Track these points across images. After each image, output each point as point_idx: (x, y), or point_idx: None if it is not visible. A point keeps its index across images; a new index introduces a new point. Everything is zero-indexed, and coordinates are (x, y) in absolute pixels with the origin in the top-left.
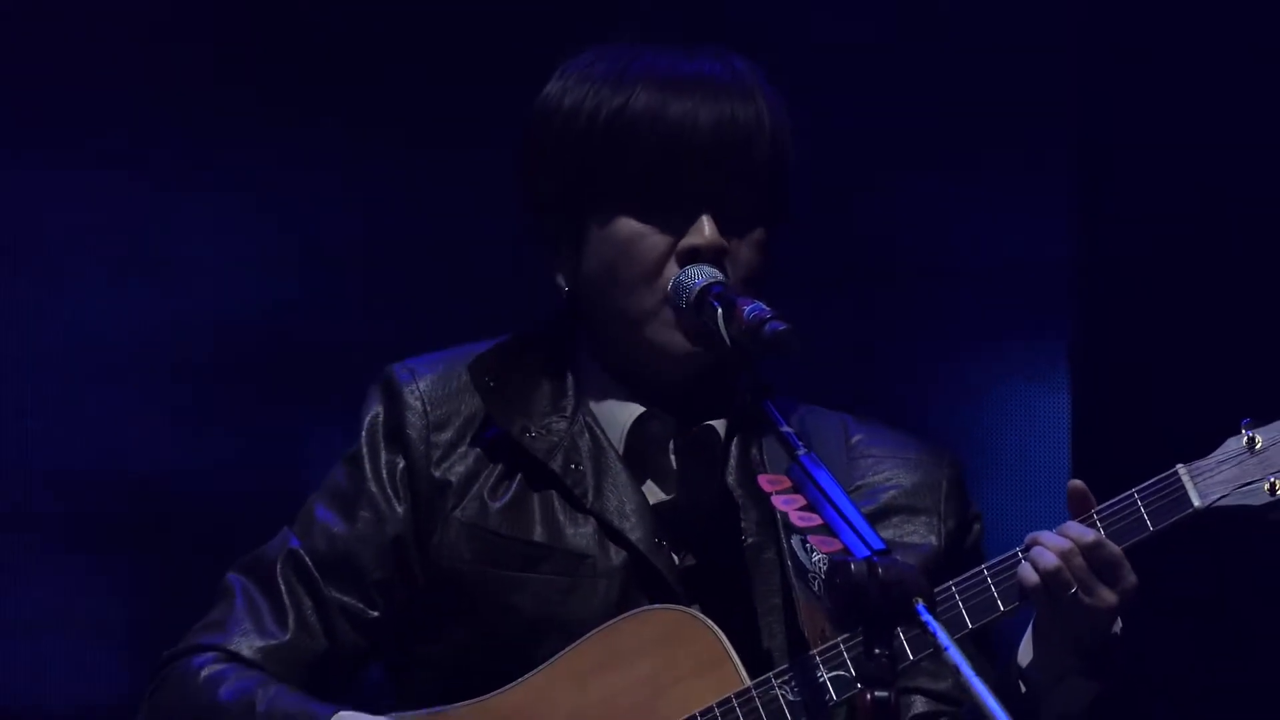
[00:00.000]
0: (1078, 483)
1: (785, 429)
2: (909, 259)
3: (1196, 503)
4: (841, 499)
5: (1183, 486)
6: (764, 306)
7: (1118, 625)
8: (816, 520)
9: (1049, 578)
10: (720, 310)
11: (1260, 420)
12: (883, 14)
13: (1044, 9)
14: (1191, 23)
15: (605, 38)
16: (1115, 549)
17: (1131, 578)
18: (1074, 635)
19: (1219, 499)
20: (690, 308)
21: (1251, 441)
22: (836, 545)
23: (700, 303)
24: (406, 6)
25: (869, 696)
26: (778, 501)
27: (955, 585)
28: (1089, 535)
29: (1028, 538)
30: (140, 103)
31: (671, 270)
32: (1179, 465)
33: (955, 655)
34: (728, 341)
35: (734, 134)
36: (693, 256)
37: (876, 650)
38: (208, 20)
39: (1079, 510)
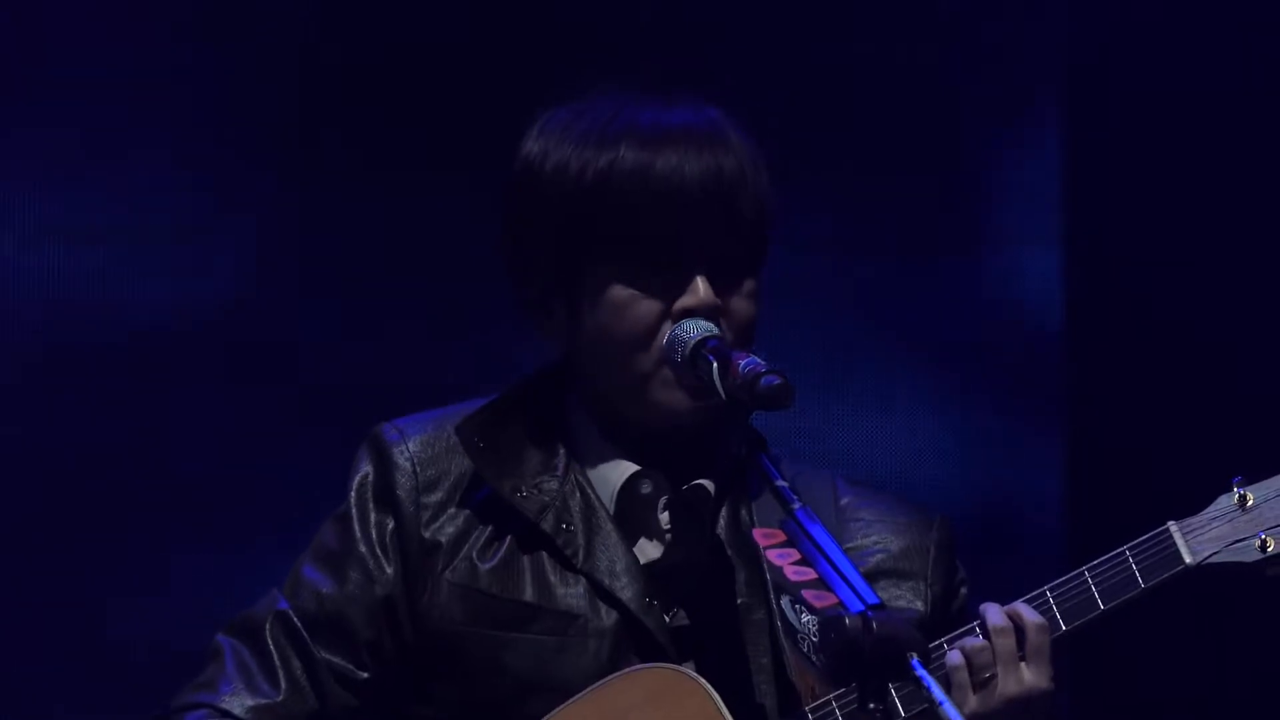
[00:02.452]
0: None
1: (780, 483)
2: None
3: (1188, 559)
4: (836, 553)
5: (1174, 543)
6: (758, 360)
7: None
8: (811, 574)
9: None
10: (715, 364)
11: (1251, 478)
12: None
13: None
14: (1188, 65)
15: (588, 67)
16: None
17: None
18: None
19: (1210, 556)
20: (685, 362)
21: (1243, 499)
22: (831, 599)
23: (695, 357)
24: (406, 34)
25: None
26: (772, 555)
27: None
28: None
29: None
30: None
31: (668, 331)
32: (1170, 522)
33: (950, 711)
34: (723, 395)
35: (720, 185)
36: (688, 316)
37: (871, 705)
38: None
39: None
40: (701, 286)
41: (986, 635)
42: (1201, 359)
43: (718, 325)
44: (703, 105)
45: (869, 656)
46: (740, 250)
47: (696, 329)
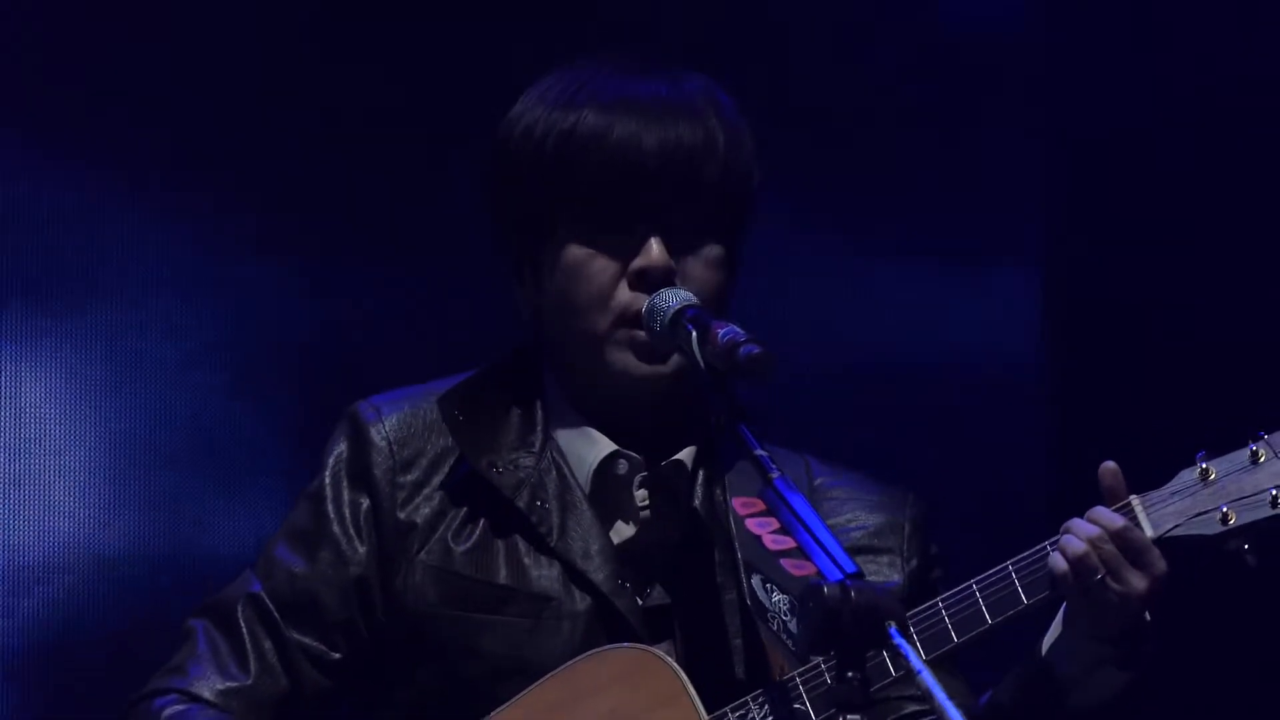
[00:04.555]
0: (1109, 465)
1: (759, 452)
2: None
3: (1149, 533)
4: (815, 522)
5: (1135, 518)
6: (738, 330)
7: (1148, 615)
8: (790, 543)
9: (1077, 563)
10: (695, 333)
11: (1214, 452)
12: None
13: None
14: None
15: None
16: (1143, 535)
17: (1161, 564)
18: (1104, 623)
19: (1171, 529)
20: (664, 331)
21: (1205, 473)
22: (810, 568)
23: (674, 326)
24: (399, 21)
25: None
26: (751, 525)
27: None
28: (1117, 520)
29: (1062, 526)
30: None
31: (623, 292)
32: (1132, 496)
33: (928, 679)
34: (702, 365)
35: (678, 155)
36: (641, 277)
37: (849, 674)
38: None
39: (1112, 498)
40: (655, 248)
41: (1085, 541)
42: (1168, 333)
43: (673, 287)
44: (682, 75)
45: (848, 625)
46: (702, 217)
47: (675, 298)
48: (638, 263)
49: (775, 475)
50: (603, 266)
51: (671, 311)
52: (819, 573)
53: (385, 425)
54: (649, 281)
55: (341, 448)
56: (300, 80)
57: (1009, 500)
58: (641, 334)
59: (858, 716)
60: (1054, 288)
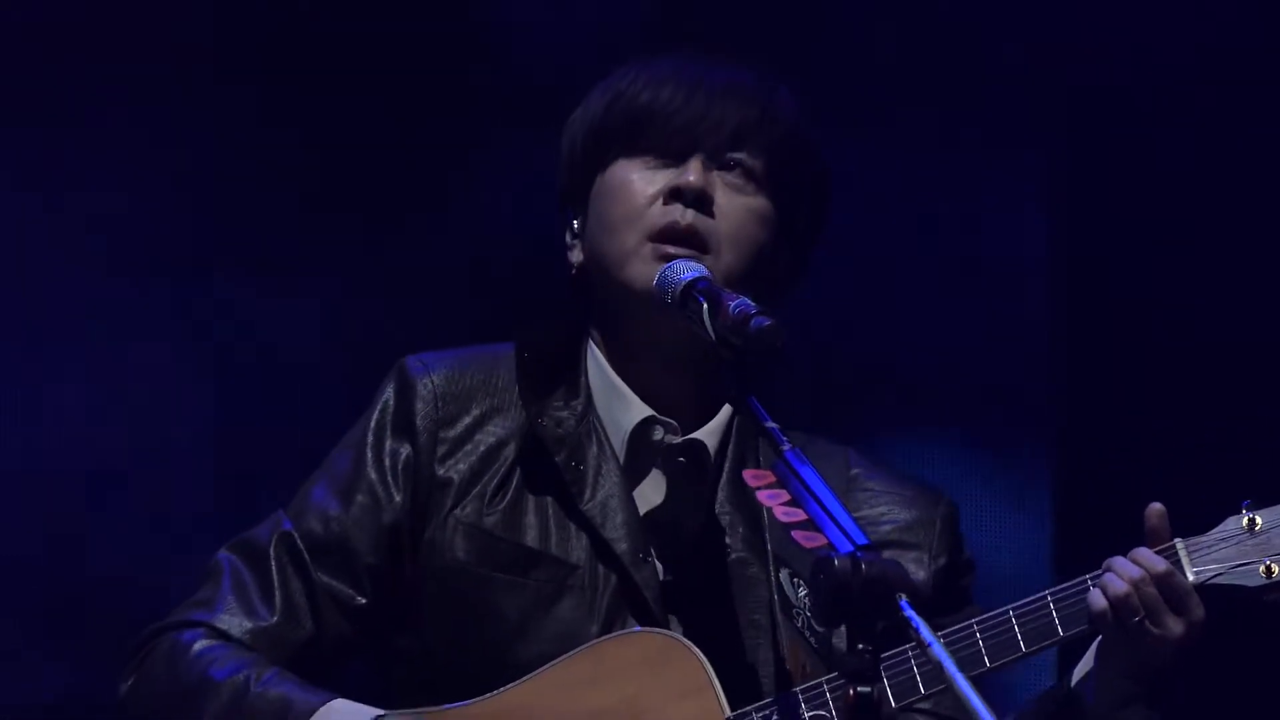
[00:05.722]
0: (1156, 506)
1: (770, 424)
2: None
3: (1190, 578)
4: (826, 495)
5: (1179, 561)
6: (749, 302)
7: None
8: (801, 515)
9: (1118, 603)
10: (705, 305)
11: (1261, 502)
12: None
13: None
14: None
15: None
16: (1185, 581)
17: (1200, 611)
18: (1137, 663)
19: (1213, 576)
20: (675, 303)
21: (1252, 523)
22: (821, 540)
23: (685, 298)
24: (404, 22)
25: (852, 691)
26: (762, 496)
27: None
28: (1160, 564)
29: (1104, 564)
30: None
31: (657, 209)
32: (1177, 539)
33: (939, 651)
34: (713, 337)
35: (745, 94)
36: (675, 194)
37: (860, 645)
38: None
39: (1155, 539)
40: (695, 166)
41: (1128, 582)
42: (1210, 375)
43: (688, 259)
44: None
45: (858, 596)
46: (753, 164)
47: (688, 270)
48: (675, 180)
49: (786, 448)
50: (643, 188)
51: (683, 284)
52: (829, 545)
53: (433, 379)
54: (683, 200)
55: (388, 396)
56: (300, 81)
57: (1013, 500)
58: (667, 247)
59: (869, 688)
60: (1055, 287)
